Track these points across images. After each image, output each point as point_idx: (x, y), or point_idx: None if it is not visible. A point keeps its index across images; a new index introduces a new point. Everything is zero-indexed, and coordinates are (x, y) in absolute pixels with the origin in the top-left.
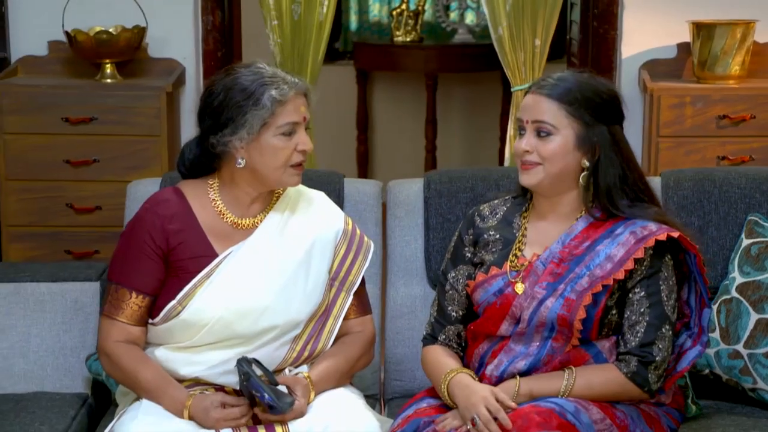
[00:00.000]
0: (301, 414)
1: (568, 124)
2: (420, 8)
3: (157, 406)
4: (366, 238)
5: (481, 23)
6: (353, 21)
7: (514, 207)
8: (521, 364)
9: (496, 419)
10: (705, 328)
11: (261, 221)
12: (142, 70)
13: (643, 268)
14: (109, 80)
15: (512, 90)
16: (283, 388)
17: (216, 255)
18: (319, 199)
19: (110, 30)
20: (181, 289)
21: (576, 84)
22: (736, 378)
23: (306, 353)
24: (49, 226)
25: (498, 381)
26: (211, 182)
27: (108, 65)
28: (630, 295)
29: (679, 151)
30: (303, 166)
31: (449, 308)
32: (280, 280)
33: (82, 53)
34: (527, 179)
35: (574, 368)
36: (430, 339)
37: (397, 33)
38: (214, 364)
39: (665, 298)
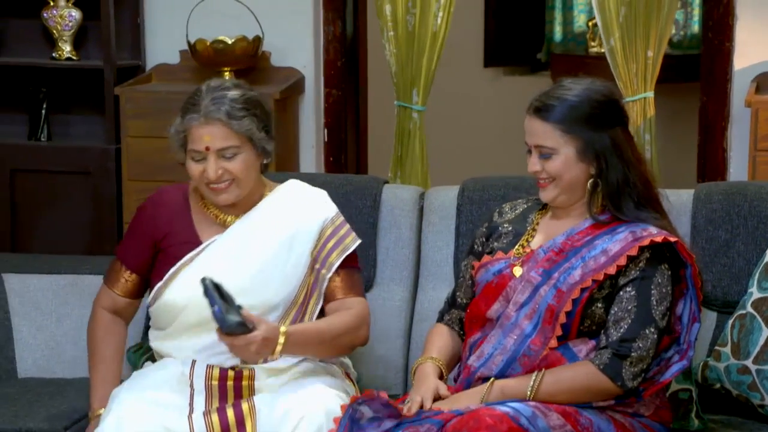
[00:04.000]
0: (254, 362)
1: (564, 142)
2: None
3: (145, 377)
4: (353, 234)
5: (679, 33)
6: (557, 32)
7: (533, 206)
8: (498, 360)
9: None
10: (692, 344)
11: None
12: (261, 78)
13: (637, 268)
14: None
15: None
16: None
17: (201, 243)
18: (315, 194)
19: (227, 40)
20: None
21: (569, 99)
22: (745, 393)
23: None
24: None
25: (475, 372)
26: None
27: (226, 73)
28: (620, 292)
29: None
30: (231, 186)
31: (457, 293)
32: (259, 262)
33: (202, 61)
34: (545, 196)
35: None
36: (440, 317)
37: (593, 44)
38: (200, 348)
39: (655, 303)
